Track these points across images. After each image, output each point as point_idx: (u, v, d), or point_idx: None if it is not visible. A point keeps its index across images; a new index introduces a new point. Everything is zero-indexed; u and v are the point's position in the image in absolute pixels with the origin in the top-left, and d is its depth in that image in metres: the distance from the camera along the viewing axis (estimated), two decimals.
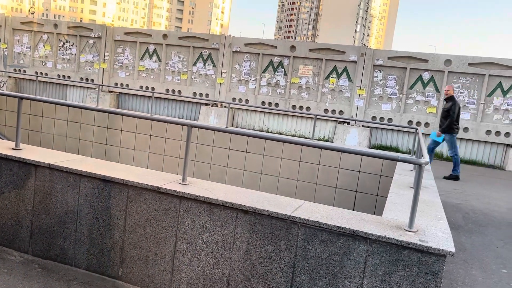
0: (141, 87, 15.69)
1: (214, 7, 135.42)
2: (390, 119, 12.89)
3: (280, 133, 13.93)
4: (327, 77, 13.70)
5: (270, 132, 13.59)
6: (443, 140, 9.47)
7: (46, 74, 16.88)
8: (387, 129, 13.12)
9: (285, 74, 14.14)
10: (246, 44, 14.52)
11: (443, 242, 2.70)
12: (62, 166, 3.65)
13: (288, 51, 13.99)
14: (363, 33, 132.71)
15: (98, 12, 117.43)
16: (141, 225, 3.44)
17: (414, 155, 6.32)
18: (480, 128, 12.22)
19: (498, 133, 12.08)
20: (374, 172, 6.78)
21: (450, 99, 9.45)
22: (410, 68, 12.77)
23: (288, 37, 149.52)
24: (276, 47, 14.21)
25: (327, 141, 13.41)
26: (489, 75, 12.06)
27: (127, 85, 15.83)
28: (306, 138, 12.36)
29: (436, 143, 9.53)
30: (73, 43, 16.75)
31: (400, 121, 12.71)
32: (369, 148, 12.40)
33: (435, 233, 2.87)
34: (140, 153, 8.62)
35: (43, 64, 17.22)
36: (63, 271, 3.60)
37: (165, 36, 15.53)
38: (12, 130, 9.94)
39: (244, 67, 14.63)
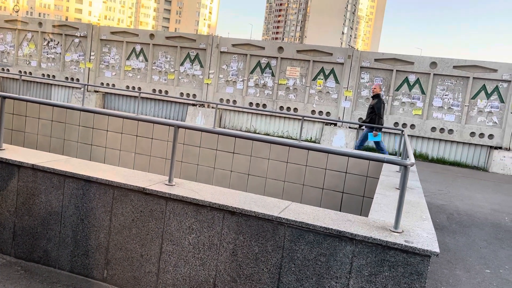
0: (128, 87, 15.56)
1: (202, 7, 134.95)
2: None
3: (268, 134, 13.95)
4: (314, 79, 13.76)
5: (258, 133, 13.59)
6: (375, 134, 9.64)
7: (30, 73, 16.62)
8: None
9: (272, 75, 14.16)
10: (233, 45, 14.51)
11: (428, 243, 2.72)
12: (46, 166, 3.59)
13: (276, 52, 14.02)
14: (350, 35, 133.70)
15: (84, 11, 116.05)
16: (126, 227, 3.40)
17: (400, 156, 6.38)
18: (464, 130, 12.41)
19: (482, 135, 12.28)
20: (361, 173, 6.82)
21: (376, 96, 9.90)
22: (397, 70, 12.91)
23: (276, 38, 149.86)
24: (264, 48, 14.23)
25: (314, 142, 13.47)
26: (473, 78, 12.26)
27: (113, 85, 15.69)
28: (293, 139, 12.38)
29: (376, 142, 9.83)
30: (58, 42, 16.53)
31: (386, 123, 12.82)
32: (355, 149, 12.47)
33: (420, 233, 2.89)
34: (126, 153, 8.54)
35: (27, 63, 16.96)
36: (46, 273, 3.55)
37: (152, 35, 15.43)
38: None
39: (232, 67, 14.61)
